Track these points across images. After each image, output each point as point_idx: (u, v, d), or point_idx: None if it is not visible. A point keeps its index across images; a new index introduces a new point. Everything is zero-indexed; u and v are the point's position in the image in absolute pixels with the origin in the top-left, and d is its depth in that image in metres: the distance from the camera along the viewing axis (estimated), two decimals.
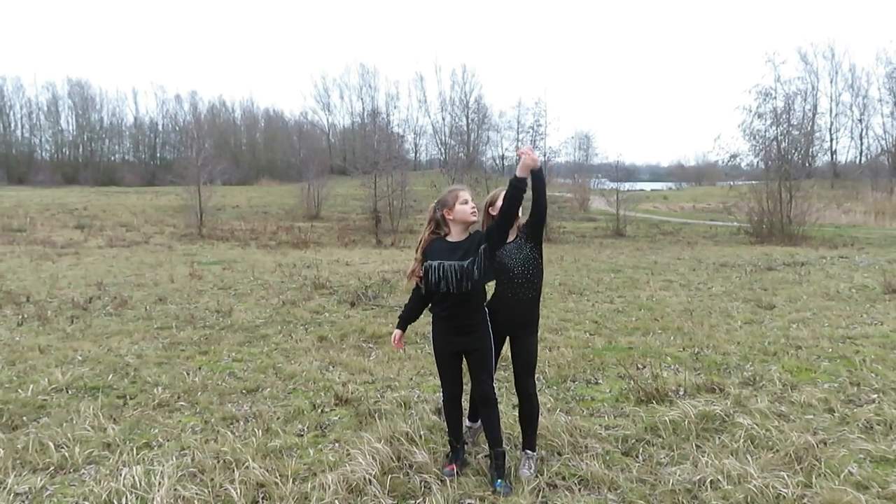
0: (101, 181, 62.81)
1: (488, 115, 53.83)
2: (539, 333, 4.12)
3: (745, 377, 5.58)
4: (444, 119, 67.95)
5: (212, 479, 3.80)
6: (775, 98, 25.41)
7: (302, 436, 4.52)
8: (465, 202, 3.71)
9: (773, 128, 24.82)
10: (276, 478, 3.79)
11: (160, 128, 76.28)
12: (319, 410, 5.00)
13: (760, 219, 23.82)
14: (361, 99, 75.47)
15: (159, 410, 5.00)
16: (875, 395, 5.09)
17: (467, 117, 56.14)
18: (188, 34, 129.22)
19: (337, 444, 4.33)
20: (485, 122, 51.46)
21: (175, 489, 3.62)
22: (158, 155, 75.14)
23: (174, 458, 4.08)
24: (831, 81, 59.12)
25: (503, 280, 3.85)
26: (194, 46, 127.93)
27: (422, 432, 4.40)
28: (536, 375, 5.74)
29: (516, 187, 3.54)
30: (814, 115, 42.19)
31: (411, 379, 5.78)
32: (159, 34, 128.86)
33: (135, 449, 4.21)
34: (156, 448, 4.31)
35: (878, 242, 21.07)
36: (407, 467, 3.93)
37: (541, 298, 3.93)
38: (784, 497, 3.57)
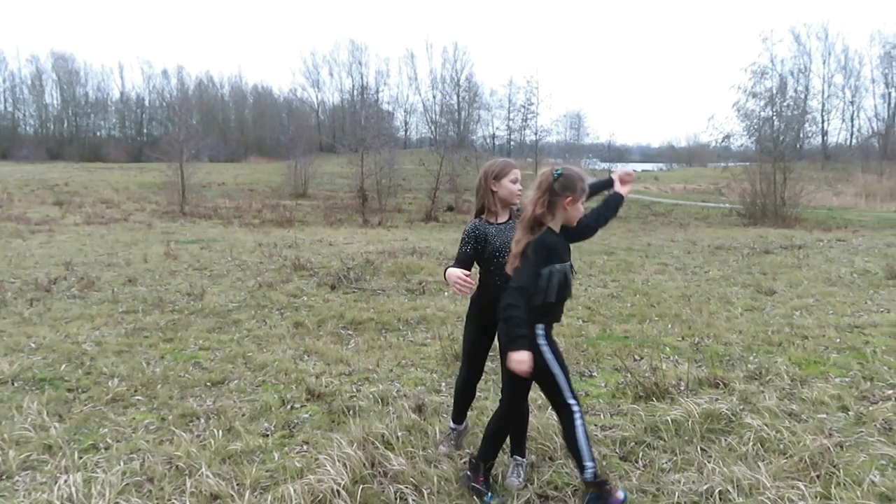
0: (87, 157, 61.69)
1: (479, 94, 53.31)
2: None
3: (751, 370, 5.19)
4: (434, 97, 67.01)
5: (161, 489, 3.37)
6: (770, 78, 25.05)
7: (267, 436, 4.10)
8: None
9: (768, 108, 24.43)
10: (233, 487, 3.36)
11: (147, 103, 74.93)
12: (289, 406, 4.57)
13: (753, 200, 23.48)
14: (351, 76, 74.42)
15: (112, 406, 4.55)
16: (891, 392, 4.71)
17: (458, 95, 55.46)
18: (175, 8, 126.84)
19: (305, 447, 3.90)
20: (476, 101, 50.92)
21: (116, 503, 3.19)
22: (145, 131, 73.89)
23: (121, 464, 3.63)
24: (824, 62, 58.70)
25: (492, 267, 3.40)
26: (182, 21, 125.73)
27: (399, 434, 3.98)
28: None
29: (618, 205, 3.41)
30: (805, 96, 41.87)
31: (391, 371, 5.36)
32: (146, 8, 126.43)
33: (77, 452, 3.77)
34: (102, 451, 3.87)
35: (872, 225, 20.79)
36: (381, 475, 3.51)
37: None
38: None
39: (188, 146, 25.84)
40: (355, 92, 66.38)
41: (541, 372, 3.06)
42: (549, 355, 3.11)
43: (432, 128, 55.70)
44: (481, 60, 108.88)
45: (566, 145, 47.27)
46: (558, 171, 3.06)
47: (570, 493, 3.40)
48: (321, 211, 24.79)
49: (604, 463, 3.67)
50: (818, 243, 13.69)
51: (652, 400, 4.52)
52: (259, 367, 5.41)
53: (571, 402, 3.12)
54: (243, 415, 4.41)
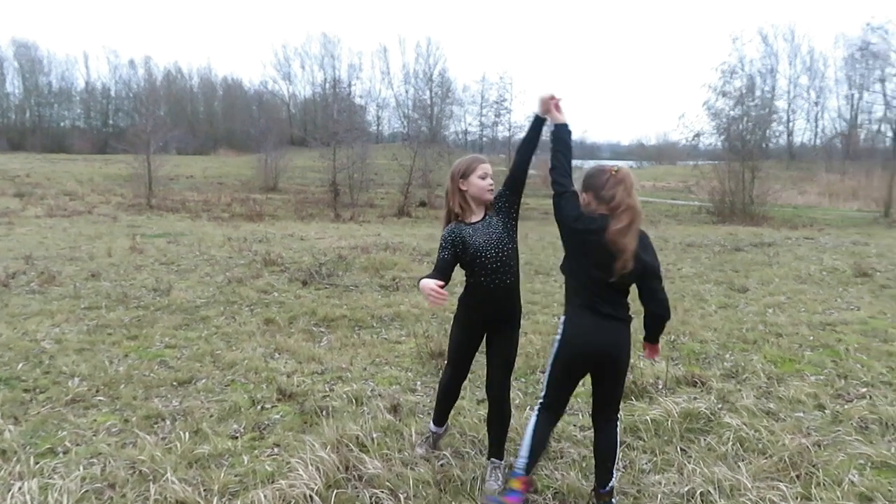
0: (50, 147, 59.96)
1: (452, 89, 53.04)
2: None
3: (727, 368, 5.18)
4: (407, 92, 66.59)
5: (123, 496, 3.21)
6: (740, 77, 25.39)
7: (236, 438, 3.94)
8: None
9: (738, 107, 24.75)
10: (200, 494, 3.21)
11: (113, 94, 73.08)
12: (259, 407, 4.42)
13: (722, 198, 23.77)
14: (323, 69, 73.54)
15: (72, 407, 4.35)
16: (864, 389, 4.74)
17: (431, 90, 55.19)
18: None
19: (276, 450, 3.76)
20: (448, 96, 50.66)
21: None
22: (111, 122, 72.13)
23: (81, 469, 3.46)
24: (790, 64, 59.58)
25: (476, 267, 3.28)
26: (150, 10, 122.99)
27: (374, 435, 3.86)
28: None
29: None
30: (772, 96, 42.51)
31: (365, 369, 5.23)
32: None
33: (33, 457, 3.57)
34: (60, 455, 3.68)
35: (836, 223, 21.18)
36: (355, 479, 3.39)
37: (520, 285, 3.39)
38: None
39: (155, 138, 25.24)
40: (327, 85, 65.68)
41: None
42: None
43: (405, 122, 55.40)
44: (454, 56, 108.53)
45: (539, 141, 47.23)
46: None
47: (550, 495, 3.32)
48: (292, 205, 24.45)
49: (583, 464, 3.60)
50: (787, 241, 13.86)
51: (630, 399, 4.47)
52: (228, 366, 5.24)
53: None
54: (211, 416, 4.25)
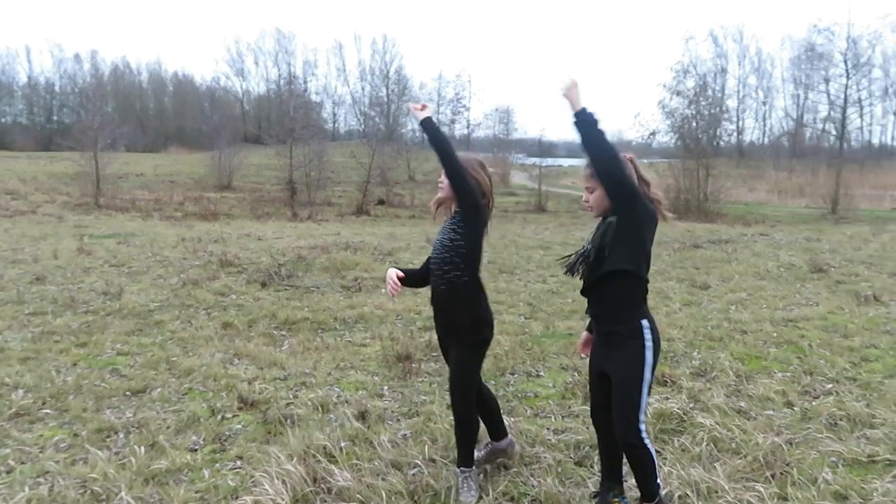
0: None
1: (409, 87, 52.87)
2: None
3: (696, 366, 5.17)
4: (363, 89, 66.11)
5: None
6: (693, 77, 25.90)
7: (196, 451, 3.74)
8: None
9: (692, 106, 25.22)
10: None
11: (57, 89, 70.50)
12: (219, 417, 4.21)
13: (678, 195, 24.17)
14: (277, 65, 72.37)
15: (15, 422, 4.07)
16: (830, 385, 4.78)
17: (387, 88, 54.93)
18: None
19: (239, 463, 3.57)
20: (405, 94, 50.43)
21: None
22: (56, 118, 69.60)
23: (26, 489, 3.21)
24: (739, 64, 61.18)
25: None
26: (95, 3, 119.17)
27: (342, 444, 3.71)
28: None
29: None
30: (723, 95, 43.42)
31: (329, 374, 5.05)
32: None
33: None
34: (4, 474, 3.42)
35: (787, 220, 21.75)
36: (324, 492, 3.23)
37: (467, 296, 3.13)
38: None
39: (103, 134, 24.38)
40: (282, 82, 64.74)
41: None
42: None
43: (362, 120, 54.98)
44: (411, 53, 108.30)
45: (495, 140, 47.49)
46: None
47: (526, 503, 3.22)
48: (248, 204, 23.93)
49: (559, 469, 3.52)
50: (742, 238, 14.11)
51: None
52: (185, 373, 5.00)
53: None
54: (168, 427, 4.03)
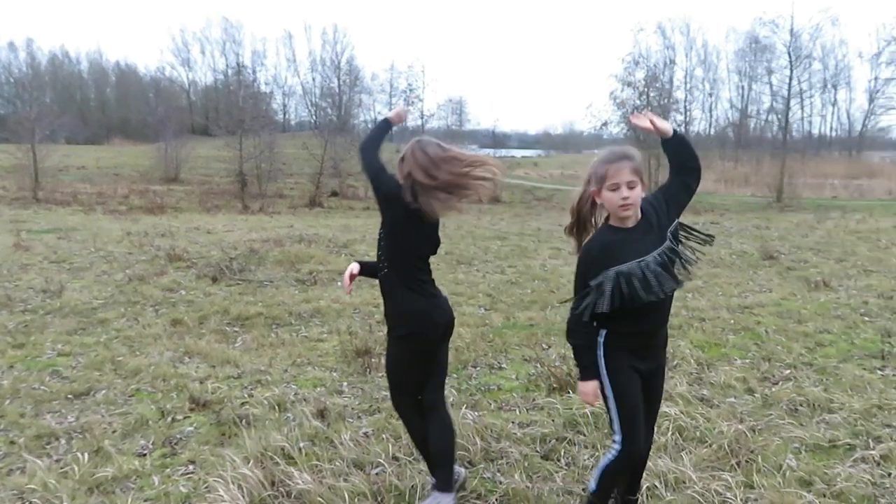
0: None
1: (360, 77, 52.21)
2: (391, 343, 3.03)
3: None
4: (314, 80, 64.98)
5: None
6: (643, 68, 26.30)
7: (144, 456, 3.53)
8: (616, 187, 2.47)
9: (642, 97, 25.58)
10: None
11: None
12: (169, 419, 4.00)
13: None
14: (225, 55, 70.52)
15: None
16: (788, 371, 4.84)
17: (339, 78, 54.11)
18: None
19: (191, 468, 3.39)
20: (357, 85, 49.83)
21: None
22: None
23: None
24: (686, 56, 62.27)
25: None
26: None
27: (301, 444, 3.55)
28: None
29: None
30: (671, 87, 44.28)
31: (286, 371, 4.88)
32: None
33: None
34: None
35: (734, 208, 22.27)
36: (283, 496, 3.07)
37: (388, 288, 2.93)
38: (730, 503, 3.10)
39: (41, 126, 23.37)
40: (230, 72, 63.15)
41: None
42: (603, 371, 2.57)
43: (313, 111, 54.15)
44: (362, 44, 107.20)
45: (448, 131, 47.38)
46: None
47: (494, 500, 3.13)
48: (196, 196, 23.28)
49: (526, 464, 3.44)
50: (694, 226, 14.32)
51: (567, 392, 4.35)
52: (132, 374, 4.75)
53: (616, 437, 2.58)
54: (114, 432, 3.81)
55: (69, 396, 4.34)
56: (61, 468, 3.35)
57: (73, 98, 65.74)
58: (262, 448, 3.43)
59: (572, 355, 2.69)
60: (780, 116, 28.98)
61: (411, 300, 2.88)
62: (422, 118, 33.49)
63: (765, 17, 28.04)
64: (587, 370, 2.58)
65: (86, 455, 3.45)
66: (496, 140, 34.44)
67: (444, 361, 3.12)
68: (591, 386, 2.57)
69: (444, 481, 2.93)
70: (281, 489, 3.10)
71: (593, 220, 2.69)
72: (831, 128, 56.92)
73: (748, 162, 42.28)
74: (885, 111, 47.61)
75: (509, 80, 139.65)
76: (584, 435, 3.78)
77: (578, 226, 2.69)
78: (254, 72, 43.42)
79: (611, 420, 2.60)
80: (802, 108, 37.98)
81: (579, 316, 2.53)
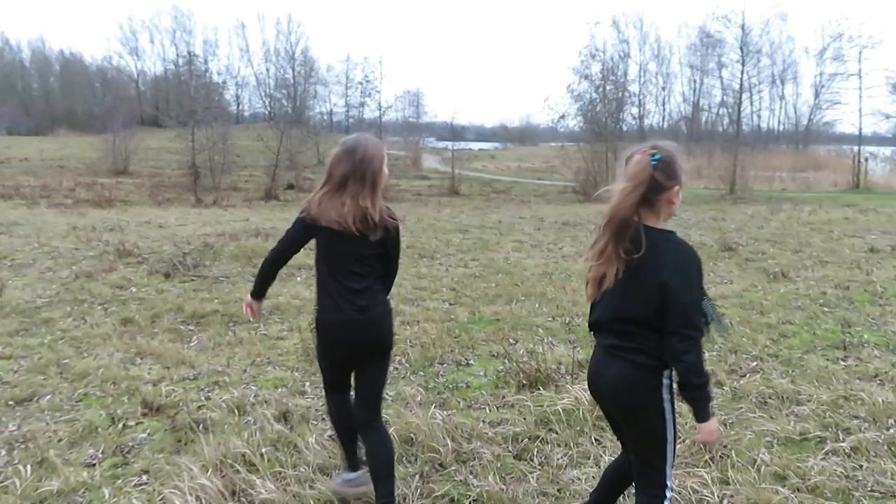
0: None
1: (316, 69, 51.49)
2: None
3: None
4: (268, 70, 63.81)
5: None
6: (599, 62, 26.50)
7: (93, 466, 3.31)
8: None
9: (599, 90, 25.79)
10: None
11: None
12: (120, 425, 3.77)
13: (587, 178, 24.69)
14: (175, 45, 68.63)
15: None
16: (755, 363, 4.85)
17: (293, 69, 53.21)
18: None
19: (145, 478, 3.18)
20: (312, 76, 49.10)
21: None
22: None
23: None
24: (640, 50, 63.17)
25: None
26: None
27: (263, 450, 3.38)
28: (400, 360, 4.91)
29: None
30: (626, 80, 44.87)
31: (245, 371, 4.67)
32: None
33: None
34: None
35: (690, 201, 22.56)
36: None
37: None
38: (707, 500, 3.06)
39: None
40: (181, 61, 61.46)
41: (651, 430, 2.27)
42: (669, 414, 2.27)
43: (267, 102, 53.17)
44: (317, 35, 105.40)
45: (406, 123, 47.12)
46: (656, 156, 2.15)
47: None
48: (146, 189, 22.56)
49: (499, 465, 3.33)
50: None
51: (538, 388, 4.26)
52: (79, 377, 4.49)
53: (668, 483, 2.31)
54: (60, 440, 3.57)
55: (10, 403, 4.07)
56: (1, 482, 3.11)
57: (14, 88, 63.37)
58: (221, 455, 3.24)
59: (693, 391, 2.17)
60: (731, 110, 29.59)
61: (321, 304, 2.83)
62: (379, 110, 33.21)
63: (717, 12, 28.50)
64: (710, 404, 2.21)
65: (28, 467, 3.21)
66: (453, 132, 34.33)
67: (375, 379, 2.86)
68: (716, 424, 2.26)
69: (386, 496, 2.75)
70: (242, 499, 2.94)
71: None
72: (779, 122, 58.48)
73: (701, 155, 43.02)
74: (830, 106, 49.01)
75: (466, 73, 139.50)
76: (557, 433, 3.69)
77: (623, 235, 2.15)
78: (206, 62, 42.19)
79: (658, 467, 2.29)
80: (752, 102, 38.86)
81: (701, 341, 2.13)
